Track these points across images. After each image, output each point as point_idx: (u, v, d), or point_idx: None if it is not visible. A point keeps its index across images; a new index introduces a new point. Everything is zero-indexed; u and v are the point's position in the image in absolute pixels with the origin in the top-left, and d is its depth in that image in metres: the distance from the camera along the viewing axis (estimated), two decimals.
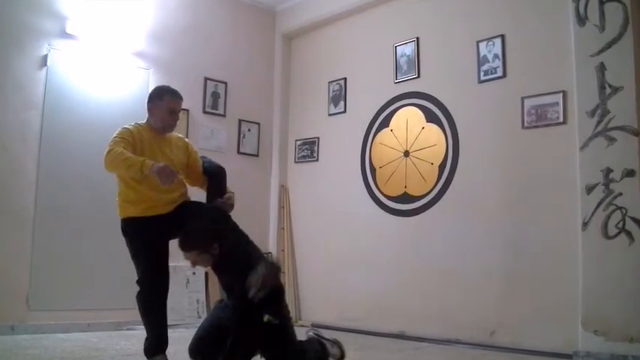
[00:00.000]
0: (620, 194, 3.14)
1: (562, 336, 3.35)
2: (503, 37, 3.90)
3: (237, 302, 2.42)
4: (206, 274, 4.74)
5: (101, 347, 3.44)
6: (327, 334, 2.78)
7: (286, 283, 5.06)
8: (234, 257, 2.48)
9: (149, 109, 2.81)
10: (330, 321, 4.70)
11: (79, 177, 4.22)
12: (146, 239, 2.68)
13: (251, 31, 5.46)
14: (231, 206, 2.79)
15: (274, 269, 2.46)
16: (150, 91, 2.91)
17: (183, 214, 2.70)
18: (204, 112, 5.04)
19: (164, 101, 2.78)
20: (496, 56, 3.92)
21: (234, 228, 2.65)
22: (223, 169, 2.91)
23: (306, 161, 5.28)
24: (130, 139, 2.67)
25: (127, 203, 2.72)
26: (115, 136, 2.68)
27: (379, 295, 4.46)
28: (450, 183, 4.14)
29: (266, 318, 2.38)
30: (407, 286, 4.29)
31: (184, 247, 2.47)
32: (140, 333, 3.00)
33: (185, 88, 2.86)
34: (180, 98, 2.85)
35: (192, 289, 4.70)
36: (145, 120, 2.84)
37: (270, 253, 5.19)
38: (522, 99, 3.74)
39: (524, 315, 3.60)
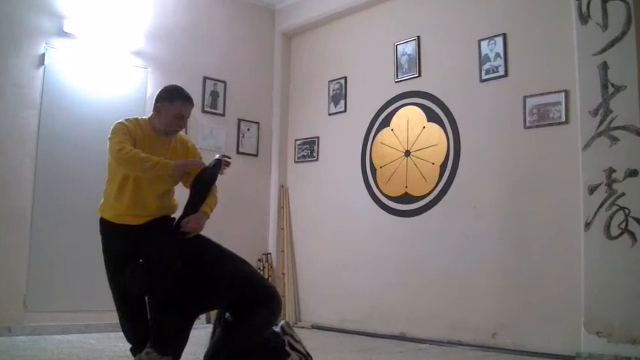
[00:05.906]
0: (623, 194, 3.12)
1: (564, 337, 3.33)
2: (504, 35, 3.88)
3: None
4: None
5: (99, 349, 3.43)
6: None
7: (286, 284, 5.03)
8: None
9: (156, 109, 2.61)
10: (331, 322, 4.69)
11: (77, 177, 4.19)
12: (122, 251, 2.54)
13: (250, 29, 5.42)
14: (196, 227, 2.52)
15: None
16: (160, 89, 2.70)
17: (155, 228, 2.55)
18: (203, 111, 5.00)
19: (174, 105, 2.58)
20: (498, 55, 3.90)
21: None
22: (213, 179, 2.64)
23: (306, 161, 5.26)
24: (128, 135, 2.52)
25: (109, 205, 2.57)
26: (116, 133, 2.52)
27: (380, 296, 4.43)
28: (451, 183, 4.12)
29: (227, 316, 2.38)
30: (408, 287, 4.27)
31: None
32: None
33: (184, 87, 2.79)
34: (192, 104, 2.68)
35: None
36: (149, 116, 2.66)
37: (269, 254, 5.21)
38: (524, 98, 3.72)
39: (526, 316, 3.58)
